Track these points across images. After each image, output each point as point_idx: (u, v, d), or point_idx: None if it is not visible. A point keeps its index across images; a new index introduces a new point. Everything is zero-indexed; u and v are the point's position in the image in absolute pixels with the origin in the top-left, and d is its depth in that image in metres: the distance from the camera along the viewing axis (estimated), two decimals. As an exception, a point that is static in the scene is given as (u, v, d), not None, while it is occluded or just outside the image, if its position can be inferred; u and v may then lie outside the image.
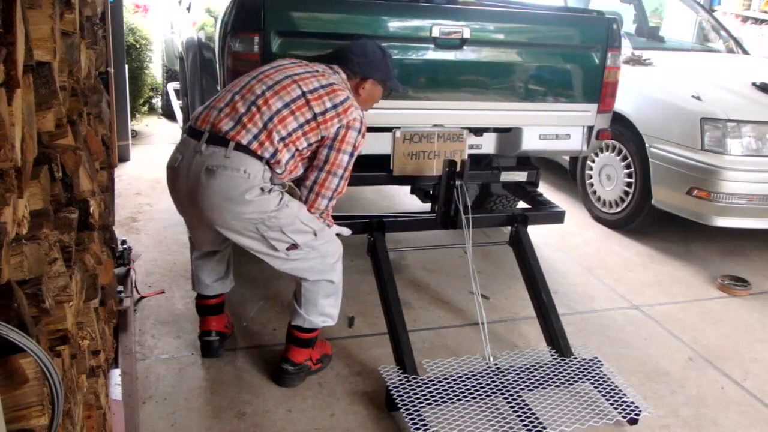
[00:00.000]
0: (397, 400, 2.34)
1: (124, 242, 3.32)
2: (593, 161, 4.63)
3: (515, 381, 2.51)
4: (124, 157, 5.21)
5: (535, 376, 2.56)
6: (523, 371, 2.58)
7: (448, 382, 2.47)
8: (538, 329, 2.89)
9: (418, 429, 2.21)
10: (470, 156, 3.11)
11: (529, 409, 2.37)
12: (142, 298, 3.16)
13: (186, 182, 2.28)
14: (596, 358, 2.70)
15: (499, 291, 3.48)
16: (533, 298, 2.94)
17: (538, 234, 3.93)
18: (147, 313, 3.04)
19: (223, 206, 2.22)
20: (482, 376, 2.52)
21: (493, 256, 3.85)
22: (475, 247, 3.08)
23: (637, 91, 4.26)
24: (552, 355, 2.73)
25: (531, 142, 3.16)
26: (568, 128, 3.23)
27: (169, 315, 3.03)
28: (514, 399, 2.42)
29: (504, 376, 2.54)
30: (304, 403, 2.48)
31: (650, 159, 4.10)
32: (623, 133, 4.26)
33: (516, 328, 3.13)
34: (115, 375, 2.35)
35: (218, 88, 2.92)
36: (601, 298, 3.53)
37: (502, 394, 2.45)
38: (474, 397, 2.43)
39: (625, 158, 4.34)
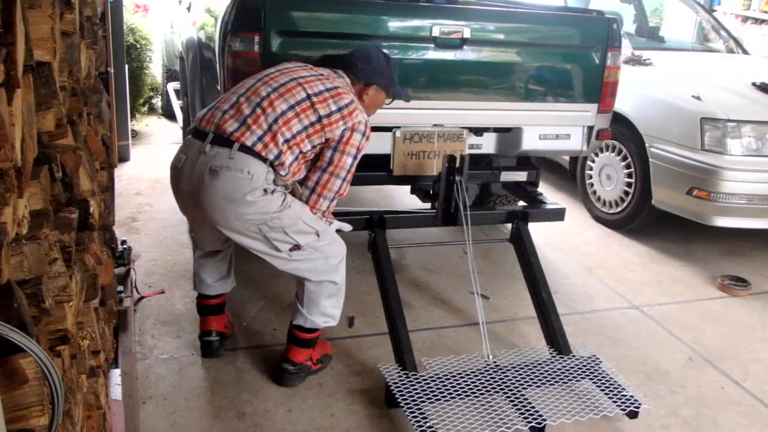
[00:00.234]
0: (397, 397, 2.35)
1: (124, 242, 3.32)
2: (593, 161, 4.63)
3: (515, 378, 2.52)
4: (124, 157, 5.21)
5: (534, 373, 2.56)
6: (522, 369, 2.58)
7: (448, 380, 2.47)
8: (538, 329, 2.89)
9: (419, 424, 2.22)
10: (470, 156, 3.11)
11: (529, 404, 2.38)
12: (142, 298, 3.16)
13: (189, 182, 2.28)
14: (595, 355, 2.70)
15: (499, 291, 3.48)
16: (533, 297, 2.94)
17: (538, 234, 3.93)
18: (147, 313, 3.04)
19: (226, 207, 2.22)
20: (482, 374, 2.53)
21: (493, 255, 3.85)
22: (475, 247, 3.08)
23: (637, 91, 4.26)
24: (551, 354, 2.73)
25: (531, 142, 3.16)
26: (568, 128, 3.23)
27: (169, 315, 3.03)
28: (514, 395, 2.43)
29: (503, 373, 2.54)
30: (304, 403, 2.48)
31: (650, 159, 4.10)
32: (623, 133, 4.26)
33: (516, 327, 3.13)
34: (115, 375, 2.35)
35: (218, 88, 2.92)
36: (601, 298, 3.53)
37: (502, 390, 2.45)
38: (474, 394, 2.43)
39: (625, 158, 4.34)
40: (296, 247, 2.34)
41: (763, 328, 3.33)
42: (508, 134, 3.20)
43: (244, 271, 3.24)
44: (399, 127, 2.95)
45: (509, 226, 3.15)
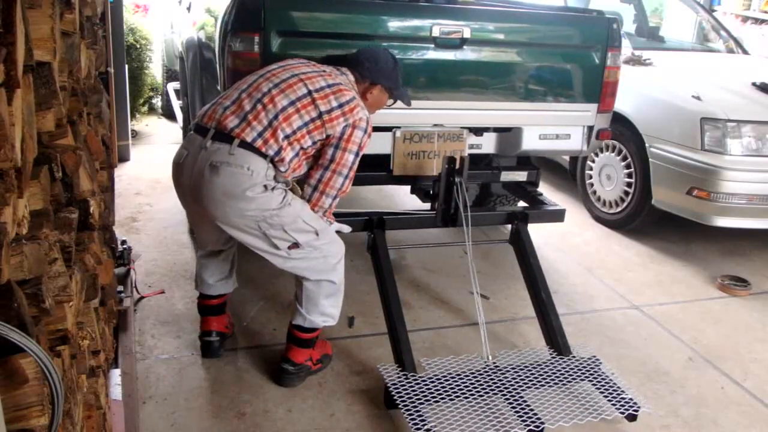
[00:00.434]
0: (396, 398, 2.35)
1: (124, 242, 3.32)
2: (593, 161, 4.63)
3: (514, 379, 2.51)
4: (124, 157, 5.21)
5: (533, 374, 2.56)
6: (521, 370, 2.58)
7: (447, 381, 2.47)
8: (538, 329, 2.89)
9: (417, 426, 2.21)
10: (470, 156, 3.11)
11: (528, 406, 2.37)
12: (142, 298, 3.16)
13: (190, 177, 2.29)
14: (594, 357, 2.70)
15: (499, 291, 3.48)
16: (533, 297, 2.94)
17: (538, 234, 3.93)
18: (147, 313, 3.04)
19: (226, 202, 2.23)
20: (481, 375, 2.53)
21: (493, 256, 3.85)
22: (476, 247, 3.08)
23: (637, 91, 4.26)
24: (551, 354, 2.73)
25: (531, 142, 3.16)
26: (568, 128, 3.23)
27: (169, 315, 3.03)
28: (513, 397, 2.43)
29: (503, 374, 2.54)
30: (304, 403, 2.48)
31: (650, 159, 4.10)
32: (623, 133, 4.26)
33: (516, 328, 3.13)
34: (115, 375, 2.35)
35: (218, 88, 2.92)
36: (601, 298, 3.53)
37: (501, 392, 2.45)
38: (473, 395, 2.43)
39: (625, 158, 4.34)
40: (295, 245, 2.34)
41: (763, 328, 3.33)
42: (508, 134, 3.20)
43: (244, 271, 3.24)
44: (399, 127, 2.95)
45: (509, 226, 3.15)
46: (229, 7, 2.71)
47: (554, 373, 2.58)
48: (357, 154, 2.38)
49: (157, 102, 7.17)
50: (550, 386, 2.53)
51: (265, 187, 2.23)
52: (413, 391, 2.39)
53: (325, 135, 2.32)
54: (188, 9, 4.45)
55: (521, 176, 3.38)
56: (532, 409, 2.36)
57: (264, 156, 2.22)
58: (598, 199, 4.61)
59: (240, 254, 2.77)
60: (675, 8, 6.38)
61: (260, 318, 3.06)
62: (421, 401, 2.34)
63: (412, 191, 3.39)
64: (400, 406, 2.31)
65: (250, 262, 2.90)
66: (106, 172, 2.56)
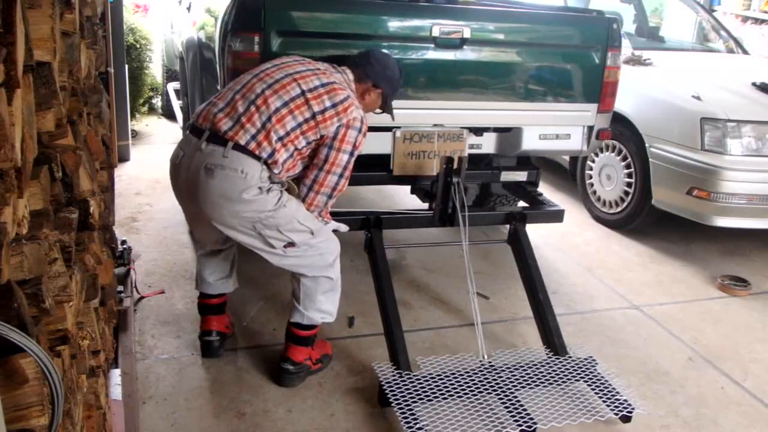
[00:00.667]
0: (389, 396, 2.35)
1: (124, 242, 3.32)
2: (593, 161, 4.63)
3: (508, 379, 2.51)
4: (124, 157, 5.21)
5: (528, 374, 2.56)
6: (516, 369, 2.58)
7: (442, 380, 2.47)
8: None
9: (409, 425, 2.21)
10: (470, 156, 3.11)
11: (521, 406, 2.37)
12: (142, 298, 3.16)
13: (186, 178, 2.30)
14: (591, 357, 2.70)
15: (499, 291, 3.48)
16: (530, 297, 2.94)
17: (538, 234, 3.93)
18: (147, 313, 3.04)
19: (222, 204, 2.23)
20: (475, 374, 2.53)
21: (493, 256, 3.85)
22: (475, 247, 3.08)
23: (637, 91, 4.26)
24: (547, 354, 2.73)
25: (531, 142, 3.16)
26: (568, 128, 3.23)
27: (169, 315, 3.03)
28: (507, 396, 2.42)
29: (497, 373, 2.54)
30: (304, 403, 2.48)
31: (650, 159, 4.10)
32: (623, 133, 4.26)
33: (515, 328, 3.13)
34: (115, 375, 2.35)
35: (218, 87, 2.92)
36: (601, 298, 3.53)
37: (495, 391, 2.45)
38: (467, 394, 2.43)
39: (625, 158, 4.34)
40: (291, 244, 2.34)
41: (763, 328, 3.33)
42: (508, 134, 3.20)
43: (244, 271, 3.23)
44: (399, 127, 2.95)
45: (509, 226, 3.15)
46: (229, 7, 2.71)
47: (549, 373, 2.58)
48: (352, 154, 2.37)
49: (157, 102, 7.17)
50: (544, 386, 2.53)
51: (260, 189, 2.23)
52: (407, 389, 2.39)
53: (319, 135, 2.31)
54: (188, 9, 4.45)
55: (521, 176, 3.38)
56: (525, 409, 2.36)
57: (258, 158, 2.23)
58: (598, 199, 4.61)
59: (240, 254, 2.77)
60: (675, 8, 6.38)
61: (260, 318, 3.06)
62: (415, 400, 2.34)
63: (412, 191, 3.39)
64: (393, 405, 2.31)
65: (250, 262, 2.90)
66: (106, 172, 2.56)
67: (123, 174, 4.92)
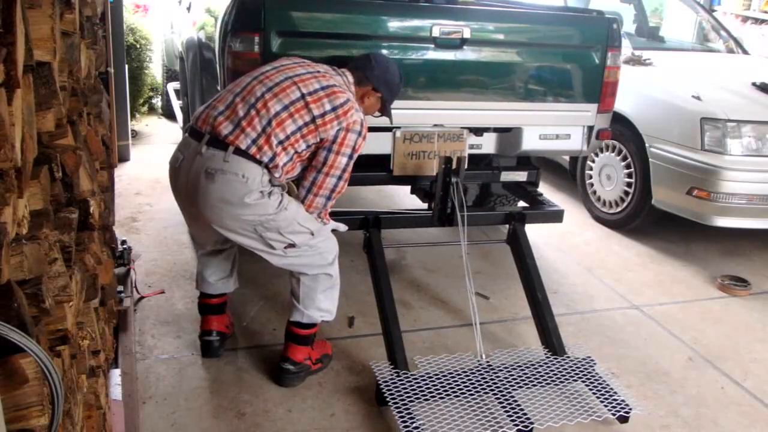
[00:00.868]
0: (386, 396, 2.35)
1: (124, 242, 3.32)
2: (593, 161, 4.63)
3: (506, 379, 2.51)
4: (124, 157, 5.21)
5: (526, 374, 2.56)
6: (514, 369, 2.58)
7: (439, 379, 2.47)
8: (538, 329, 2.89)
9: (406, 424, 2.22)
10: (470, 156, 3.11)
11: (518, 406, 2.37)
12: (142, 298, 3.16)
13: (186, 182, 2.30)
14: (589, 357, 2.70)
15: (499, 291, 3.48)
16: (529, 297, 2.94)
17: (538, 234, 3.94)
18: (147, 313, 3.04)
19: (222, 208, 2.23)
20: (473, 374, 2.53)
21: (493, 256, 3.85)
22: (475, 247, 3.08)
23: (637, 91, 4.26)
24: (545, 354, 2.73)
25: (531, 142, 3.16)
26: (568, 128, 3.23)
27: (169, 315, 3.03)
28: (504, 396, 2.42)
29: (495, 373, 2.54)
30: (304, 403, 2.48)
31: (650, 159, 4.10)
32: (623, 133, 4.26)
33: (515, 328, 3.13)
34: (115, 375, 2.35)
35: (218, 88, 2.93)
36: (601, 298, 3.53)
37: (492, 391, 2.45)
38: (464, 394, 2.43)
39: (625, 158, 4.34)
40: (291, 245, 2.35)
41: (763, 328, 3.33)
42: (508, 134, 3.20)
43: (244, 271, 3.23)
44: (399, 128, 2.95)
45: (509, 226, 3.15)
46: (229, 7, 2.71)
47: (547, 373, 2.58)
48: (351, 157, 2.37)
49: (157, 102, 7.17)
50: (542, 386, 2.53)
51: (261, 193, 2.23)
52: (404, 388, 2.39)
53: (318, 138, 2.31)
54: (188, 9, 4.45)
55: (521, 176, 3.38)
56: (522, 409, 2.36)
57: (258, 162, 2.23)
58: (598, 199, 4.61)
59: (240, 254, 2.77)
60: (675, 8, 6.38)
61: (260, 318, 3.06)
62: (412, 399, 2.34)
63: (413, 191, 3.39)
64: (390, 404, 2.31)
65: (250, 262, 2.90)
66: (106, 172, 2.56)
67: (123, 174, 4.92)
